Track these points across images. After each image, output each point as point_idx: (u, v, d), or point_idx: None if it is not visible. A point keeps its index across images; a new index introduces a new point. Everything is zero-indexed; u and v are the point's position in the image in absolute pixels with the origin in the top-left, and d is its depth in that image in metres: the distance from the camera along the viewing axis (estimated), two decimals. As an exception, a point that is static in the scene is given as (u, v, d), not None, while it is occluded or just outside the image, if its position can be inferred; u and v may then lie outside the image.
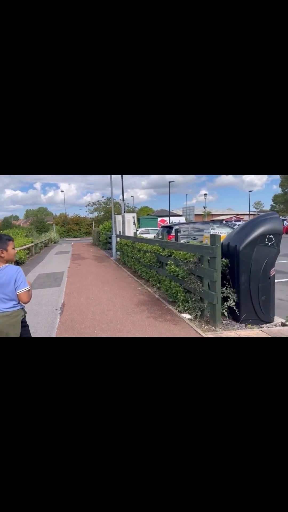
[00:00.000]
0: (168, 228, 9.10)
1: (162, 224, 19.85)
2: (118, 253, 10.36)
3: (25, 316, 1.77)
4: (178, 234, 6.58)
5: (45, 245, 18.84)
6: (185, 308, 3.79)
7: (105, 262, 9.49)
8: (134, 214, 10.95)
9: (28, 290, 1.69)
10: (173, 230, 8.76)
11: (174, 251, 4.41)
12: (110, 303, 4.45)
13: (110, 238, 13.30)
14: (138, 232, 10.92)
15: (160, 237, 8.95)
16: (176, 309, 3.97)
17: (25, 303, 1.71)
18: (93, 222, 31.88)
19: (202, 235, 8.37)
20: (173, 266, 4.16)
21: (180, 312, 3.82)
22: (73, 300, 4.74)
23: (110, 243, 13.46)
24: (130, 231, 10.74)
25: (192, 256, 3.63)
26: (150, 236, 11.35)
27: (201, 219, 34.49)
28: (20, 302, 1.69)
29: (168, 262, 4.38)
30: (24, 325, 1.75)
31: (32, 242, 14.38)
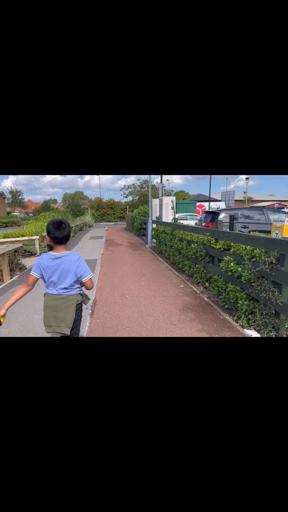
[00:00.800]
0: (213, 214, 7.98)
1: (204, 210, 18.45)
2: (154, 240, 9.53)
3: (83, 301, 1.82)
4: (234, 221, 5.46)
5: (79, 229, 18.75)
6: (250, 322, 2.87)
7: (139, 250, 8.75)
8: (173, 198, 9.89)
9: (92, 276, 1.75)
10: (219, 216, 7.64)
11: (233, 244, 3.45)
12: (149, 304, 3.69)
13: (145, 224, 12.52)
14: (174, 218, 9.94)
15: (205, 224, 7.89)
16: (236, 321, 3.07)
17: (89, 289, 1.79)
18: (127, 207, 31.34)
19: (256, 223, 7.13)
20: (232, 264, 3.22)
21: (243, 326, 2.92)
22: (106, 296, 4.07)
23: (145, 229, 12.69)
24: (168, 216, 9.80)
25: (265, 254, 2.66)
26: (190, 223, 10.27)
27: (240, 205, 31.98)
28: (85, 288, 1.78)
29: (225, 258, 3.44)
30: (78, 308, 1.78)
31: (66, 226, 14.25)
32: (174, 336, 2.75)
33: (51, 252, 1.70)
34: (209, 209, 17.06)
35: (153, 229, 9.50)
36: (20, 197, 34.91)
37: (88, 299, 1.86)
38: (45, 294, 1.75)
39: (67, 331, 1.68)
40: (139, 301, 3.80)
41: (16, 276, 5.51)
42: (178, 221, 9.48)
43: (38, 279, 1.71)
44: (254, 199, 44.90)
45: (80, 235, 15.24)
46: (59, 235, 1.64)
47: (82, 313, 1.87)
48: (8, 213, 32.18)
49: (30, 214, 31.37)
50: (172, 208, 9.90)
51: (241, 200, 38.07)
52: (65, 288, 1.70)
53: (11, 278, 5.36)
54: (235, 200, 27.37)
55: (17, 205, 35.56)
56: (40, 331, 2.81)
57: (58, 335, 1.69)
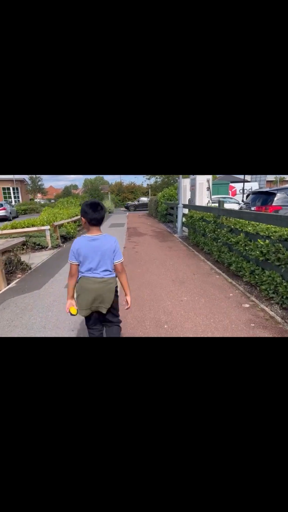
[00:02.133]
0: (266, 195, 6.18)
1: (235, 192, 16.28)
2: (185, 229, 7.93)
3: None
4: None
5: (99, 216, 17.49)
6: None
7: (168, 242, 7.21)
8: (209, 177, 8.09)
9: (122, 261, 1.75)
10: (275, 197, 5.84)
11: None
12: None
13: (172, 209, 10.86)
14: (210, 202, 8.18)
15: (256, 208, 6.13)
16: None
17: (119, 273, 1.76)
18: (149, 190, 29.56)
19: None
20: None
21: None
22: (133, 326, 2.65)
23: (172, 214, 11.04)
24: (202, 199, 8.07)
25: None
26: (232, 207, 8.46)
27: (270, 186, 28.93)
28: (116, 271, 1.75)
29: None
30: (116, 294, 1.79)
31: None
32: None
33: (87, 234, 1.67)
34: (244, 190, 14.88)
35: (184, 215, 7.87)
36: (39, 182, 34.31)
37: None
38: (81, 278, 1.69)
39: (104, 310, 1.71)
40: (185, 335, 2.35)
41: (15, 282, 4.23)
42: (212, 204, 7.75)
43: (78, 265, 1.67)
44: (286, 179, 41.13)
45: (99, 222, 13.94)
46: (97, 216, 1.62)
47: None
48: (31, 199, 31.75)
49: (52, 201, 30.89)
50: (208, 189, 8.14)
51: (273, 181, 34.94)
52: (106, 271, 1.67)
53: (7, 285, 4.09)
54: (267, 181, 24.68)
55: (37, 191, 35.07)
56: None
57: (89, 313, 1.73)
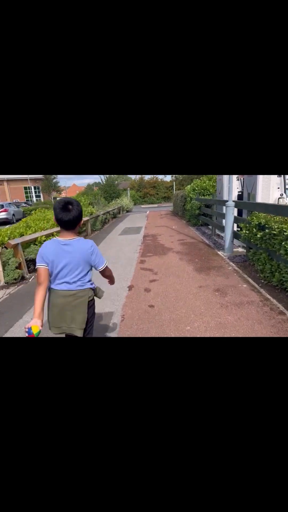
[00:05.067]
0: None
1: None
2: (237, 243, 4.64)
3: (96, 295, 1.58)
4: None
5: (113, 217, 14.49)
6: None
7: (213, 271, 3.96)
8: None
9: (106, 264, 1.55)
10: None
11: None
12: None
13: (208, 207, 7.55)
14: (285, 197, 4.75)
15: None
16: None
17: (109, 277, 1.61)
18: (173, 183, 26.13)
19: None
20: None
21: None
22: None
23: (206, 215, 7.75)
24: (271, 194, 4.67)
25: None
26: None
27: None
28: (105, 278, 1.62)
29: None
30: (91, 305, 1.52)
31: (91, 214, 9.98)
32: None
33: (58, 237, 1.43)
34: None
35: (243, 222, 4.59)
36: (54, 180, 32.37)
37: (103, 292, 1.64)
38: (49, 290, 1.46)
39: (79, 333, 1.44)
40: None
41: None
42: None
43: (48, 269, 1.41)
44: None
45: (111, 226, 10.90)
46: (63, 217, 1.36)
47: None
48: (54, 198, 30.65)
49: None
50: (281, 176, 4.72)
51: None
52: (75, 282, 1.43)
53: None
54: None
55: (51, 189, 33.20)
56: None
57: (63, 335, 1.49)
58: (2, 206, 15.13)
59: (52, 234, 5.21)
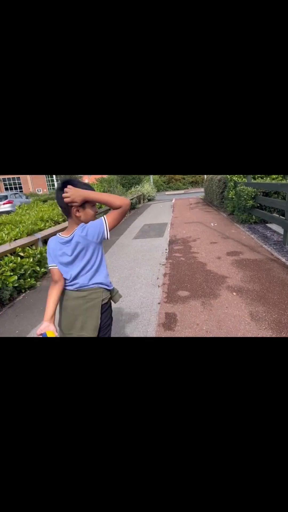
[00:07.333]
0: None
1: None
2: None
3: (112, 299, 1.34)
4: None
5: (131, 207, 12.06)
6: None
7: None
8: None
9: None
10: None
11: None
12: None
13: (268, 195, 4.81)
14: None
15: None
16: None
17: (117, 206, 1.21)
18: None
19: None
20: None
21: None
22: None
23: (265, 208, 5.00)
24: None
25: None
26: None
27: None
28: (115, 209, 1.33)
29: None
30: (105, 309, 1.27)
31: (99, 208, 7.60)
32: None
33: (60, 234, 1.25)
34: None
35: None
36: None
37: (120, 296, 1.38)
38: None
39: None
40: None
41: None
42: None
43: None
44: None
45: (126, 222, 8.44)
46: (58, 201, 1.21)
47: None
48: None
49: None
50: None
51: None
52: (83, 282, 1.23)
53: None
54: None
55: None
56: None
57: None
58: (6, 197, 13.28)
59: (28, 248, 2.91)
